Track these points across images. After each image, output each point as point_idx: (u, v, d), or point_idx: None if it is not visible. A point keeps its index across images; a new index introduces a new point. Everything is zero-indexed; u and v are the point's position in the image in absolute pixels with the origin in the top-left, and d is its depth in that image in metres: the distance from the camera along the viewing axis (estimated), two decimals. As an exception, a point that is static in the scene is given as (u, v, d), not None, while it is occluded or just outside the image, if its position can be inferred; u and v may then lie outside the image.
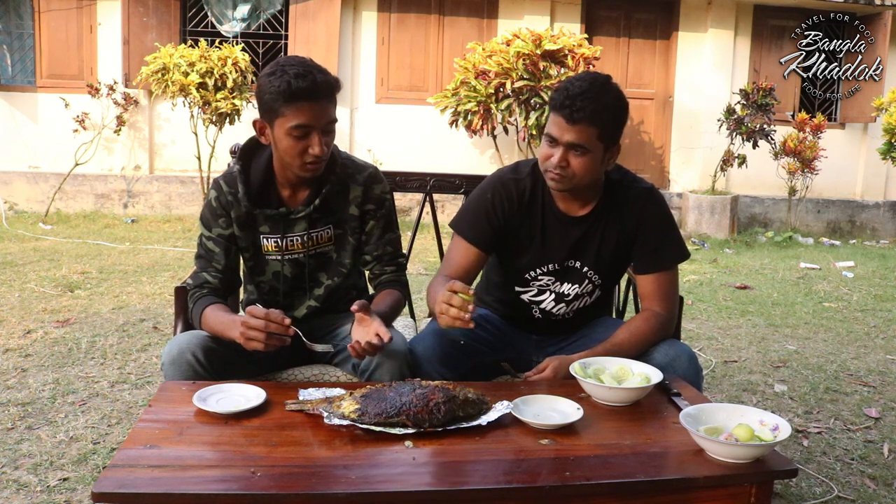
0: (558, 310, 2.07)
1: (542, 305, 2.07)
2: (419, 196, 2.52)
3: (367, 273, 2.13)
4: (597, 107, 1.79)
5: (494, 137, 7.71)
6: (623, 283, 2.39)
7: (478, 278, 2.15)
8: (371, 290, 2.16)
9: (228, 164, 2.39)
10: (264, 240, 1.97)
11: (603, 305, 2.19)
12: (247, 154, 1.96)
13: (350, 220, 2.00)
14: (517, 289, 2.07)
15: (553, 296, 2.05)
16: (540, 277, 2.04)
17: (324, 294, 2.04)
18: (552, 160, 1.84)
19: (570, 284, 2.04)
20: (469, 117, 7.29)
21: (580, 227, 1.99)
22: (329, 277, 2.04)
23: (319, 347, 1.77)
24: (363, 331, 1.73)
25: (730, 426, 1.46)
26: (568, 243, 1.99)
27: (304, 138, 1.79)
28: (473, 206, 2.03)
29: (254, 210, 1.92)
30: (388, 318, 1.95)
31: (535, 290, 2.06)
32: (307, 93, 1.75)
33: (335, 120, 1.85)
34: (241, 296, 2.23)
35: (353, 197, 1.99)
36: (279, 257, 1.98)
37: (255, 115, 1.88)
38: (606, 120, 1.82)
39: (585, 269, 2.02)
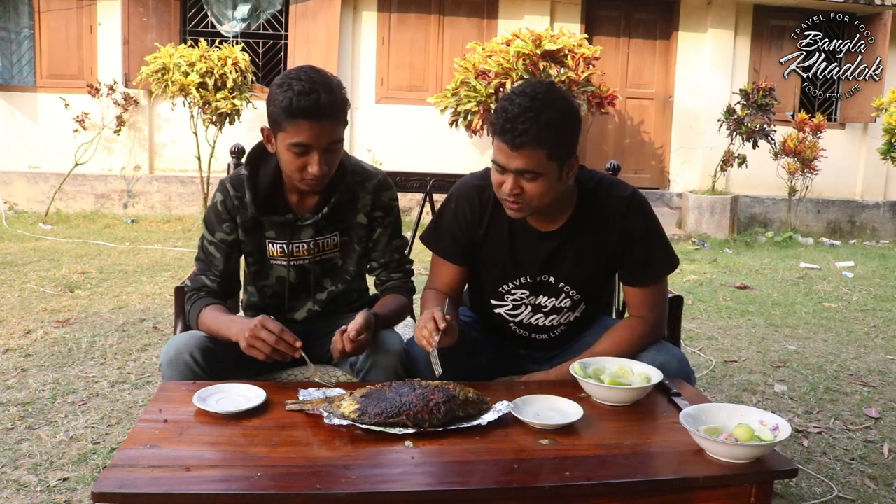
0: (537, 320, 1.98)
1: (520, 318, 1.99)
2: (419, 196, 2.52)
3: (374, 279, 2.11)
4: (539, 126, 1.64)
5: (494, 137, 7.70)
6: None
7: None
8: (373, 292, 2.15)
9: (228, 165, 2.38)
10: (270, 245, 1.96)
11: (593, 316, 2.08)
12: (254, 159, 1.93)
13: (357, 227, 1.99)
14: (493, 302, 1.99)
15: (530, 308, 1.97)
16: (514, 291, 1.95)
17: (326, 299, 2.03)
18: (504, 188, 1.73)
19: (545, 297, 1.95)
20: (469, 117, 7.29)
21: (551, 241, 1.88)
22: (333, 284, 2.03)
23: (319, 377, 1.74)
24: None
25: (730, 426, 1.46)
26: (539, 258, 1.90)
27: (303, 155, 1.76)
28: (440, 218, 1.98)
29: (261, 217, 1.90)
30: (391, 321, 1.94)
31: (510, 305, 1.97)
32: (308, 112, 1.71)
33: (340, 139, 1.80)
34: (241, 297, 2.22)
35: (362, 205, 1.97)
36: (284, 263, 1.97)
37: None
38: (553, 138, 1.67)
39: (560, 283, 1.92)
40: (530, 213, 1.80)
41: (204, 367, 1.75)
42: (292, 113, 1.71)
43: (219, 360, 1.78)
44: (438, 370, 1.64)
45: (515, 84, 6.78)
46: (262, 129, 1.85)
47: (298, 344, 1.67)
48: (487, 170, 1.89)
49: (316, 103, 1.71)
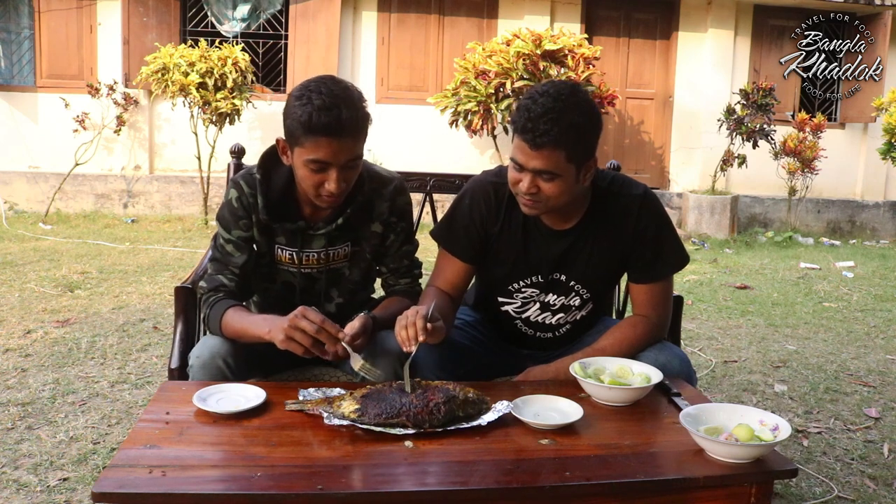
0: (544, 318, 1.99)
1: (527, 315, 1.99)
2: (419, 196, 2.52)
3: (381, 282, 2.08)
4: (561, 128, 1.64)
5: (494, 137, 7.71)
6: (623, 281, 2.38)
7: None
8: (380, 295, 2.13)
9: (229, 165, 2.38)
10: (279, 250, 1.90)
11: (599, 315, 2.11)
12: (267, 163, 1.86)
13: (371, 237, 1.94)
14: (500, 300, 1.99)
15: (538, 305, 1.97)
16: (524, 289, 1.95)
17: (335, 312, 1.97)
18: (521, 186, 1.73)
19: (555, 295, 1.95)
20: (469, 117, 7.29)
21: (565, 240, 1.88)
22: (340, 295, 1.99)
23: (367, 373, 1.66)
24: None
25: (730, 426, 1.46)
26: (552, 257, 1.90)
27: (320, 172, 1.69)
28: (453, 214, 1.95)
29: (273, 223, 1.85)
30: (391, 324, 1.92)
31: (519, 303, 1.98)
32: (328, 129, 1.63)
33: (360, 155, 1.73)
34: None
35: (378, 213, 1.92)
36: (294, 270, 1.92)
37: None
38: (574, 141, 1.67)
39: (572, 282, 1.93)
40: (545, 212, 1.81)
41: (234, 370, 1.74)
42: (311, 129, 1.63)
43: (244, 363, 1.77)
44: (407, 388, 1.54)
45: (515, 84, 6.82)
46: (278, 140, 1.78)
47: (342, 335, 1.62)
48: (501, 167, 1.89)
49: (337, 119, 1.63)
